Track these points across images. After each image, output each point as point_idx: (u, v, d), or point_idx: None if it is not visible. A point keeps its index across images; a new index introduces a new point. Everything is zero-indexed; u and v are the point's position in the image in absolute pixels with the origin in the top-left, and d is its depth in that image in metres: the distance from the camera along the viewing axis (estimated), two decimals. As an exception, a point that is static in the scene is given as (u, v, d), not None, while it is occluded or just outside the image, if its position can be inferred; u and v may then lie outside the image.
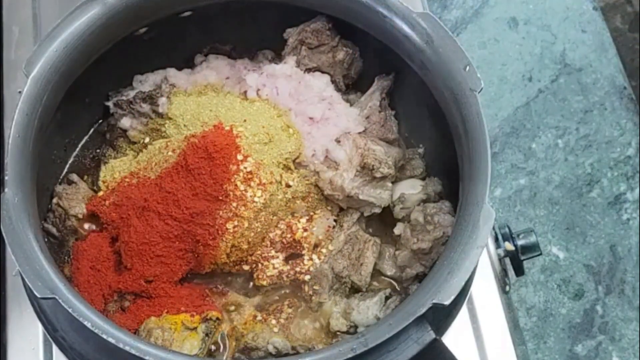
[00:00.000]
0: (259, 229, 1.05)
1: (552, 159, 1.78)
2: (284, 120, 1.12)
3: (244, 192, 1.04)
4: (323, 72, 1.16)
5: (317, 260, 1.06)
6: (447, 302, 0.86)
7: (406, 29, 1.03)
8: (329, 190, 1.09)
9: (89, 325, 0.84)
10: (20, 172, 0.93)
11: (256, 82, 1.15)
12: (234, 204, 1.03)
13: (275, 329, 1.02)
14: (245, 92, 1.15)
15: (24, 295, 1.02)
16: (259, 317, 1.04)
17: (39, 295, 0.85)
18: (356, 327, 1.03)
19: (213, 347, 1.02)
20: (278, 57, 1.19)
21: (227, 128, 1.07)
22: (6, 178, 0.91)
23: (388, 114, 1.15)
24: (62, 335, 0.97)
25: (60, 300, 0.85)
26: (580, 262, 1.71)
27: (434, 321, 0.93)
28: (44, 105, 0.99)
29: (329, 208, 1.11)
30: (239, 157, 1.05)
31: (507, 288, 1.10)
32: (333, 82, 1.16)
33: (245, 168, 1.05)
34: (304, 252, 1.07)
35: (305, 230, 1.07)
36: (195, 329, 1.00)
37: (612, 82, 1.85)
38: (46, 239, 1.04)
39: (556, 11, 1.91)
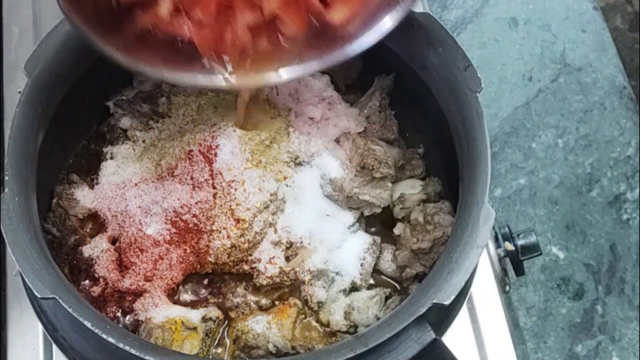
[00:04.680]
0: (259, 229, 1.05)
1: (552, 158, 1.78)
2: (284, 120, 1.12)
3: (244, 192, 1.04)
4: (323, 72, 1.16)
5: (317, 260, 1.06)
6: (447, 302, 0.86)
7: (406, 29, 1.03)
8: (329, 190, 1.08)
9: (89, 325, 0.84)
10: (20, 172, 0.93)
11: (256, 82, 1.15)
12: (234, 204, 1.03)
13: (276, 329, 1.02)
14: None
15: (24, 295, 1.02)
16: (259, 317, 1.04)
17: (39, 295, 0.85)
18: (356, 327, 1.03)
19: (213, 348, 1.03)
20: (278, 57, 1.19)
21: (227, 128, 1.07)
22: (6, 178, 0.91)
23: (388, 114, 1.15)
24: (62, 335, 0.97)
25: (60, 300, 0.85)
26: (580, 261, 1.70)
27: (434, 321, 0.93)
28: (44, 105, 0.99)
29: (329, 208, 1.11)
30: (239, 157, 1.05)
31: (507, 288, 1.10)
32: (333, 82, 1.16)
33: (245, 168, 1.05)
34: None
35: (305, 230, 1.07)
36: (195, 329, 1.00)
37: (612, 82, 1.85)
38: (46, 239, 1.04)
39: (556, 11, 1.91)
